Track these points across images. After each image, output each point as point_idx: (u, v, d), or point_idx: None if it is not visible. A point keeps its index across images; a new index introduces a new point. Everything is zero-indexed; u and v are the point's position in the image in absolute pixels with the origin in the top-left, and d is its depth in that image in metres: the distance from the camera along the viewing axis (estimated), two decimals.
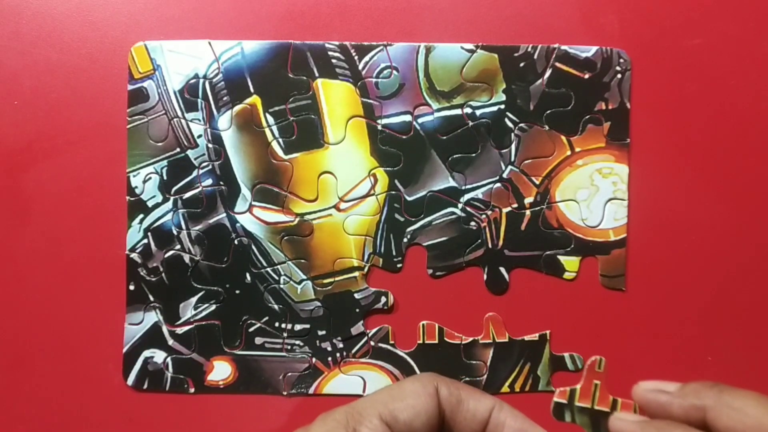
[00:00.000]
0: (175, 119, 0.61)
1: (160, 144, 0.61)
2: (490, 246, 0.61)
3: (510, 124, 0.60)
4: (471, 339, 0.61)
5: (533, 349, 0.61)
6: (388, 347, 0.61)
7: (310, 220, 0.61)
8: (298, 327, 0.61)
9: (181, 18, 0.61)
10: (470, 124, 0.61)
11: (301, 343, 0.61)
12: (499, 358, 0.61)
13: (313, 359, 0.61)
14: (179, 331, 0.61)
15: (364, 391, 0.61)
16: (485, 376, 0.61)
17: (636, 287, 0.60)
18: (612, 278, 0.60)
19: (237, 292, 0.61)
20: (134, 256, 0.61)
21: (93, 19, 0.62)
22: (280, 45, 0.61)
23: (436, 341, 0.61)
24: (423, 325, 0.61)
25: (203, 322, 0.61)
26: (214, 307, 0.61)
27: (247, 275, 0.61)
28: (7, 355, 0.62)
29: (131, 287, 0.61)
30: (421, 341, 0.61)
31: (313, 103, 0.61)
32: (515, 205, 0.61)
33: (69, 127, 0.61)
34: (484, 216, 0.61)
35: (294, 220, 0.61)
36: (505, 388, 0.61)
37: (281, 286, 0.61)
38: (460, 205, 0.61)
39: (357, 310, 0.61)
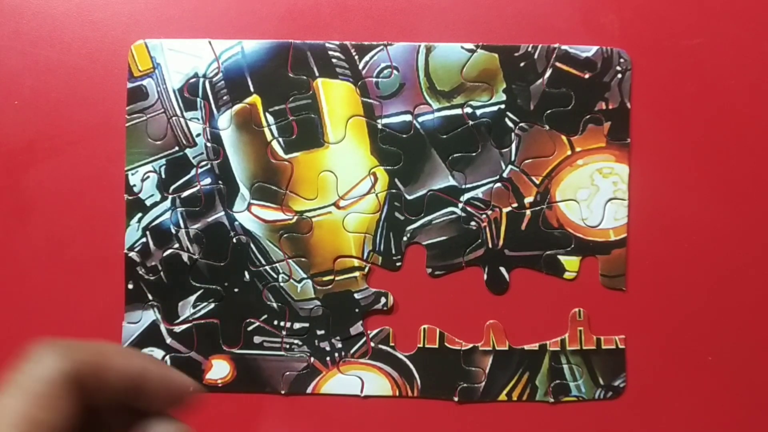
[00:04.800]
0: (174, 118, 0.60)
1: (158, 142, 0.61)
2: (490, 246, 0.61)
3: (510, 124, 0.60)
4: (471, 345, 0.60)
5: (533, 359, 0.60)
6: (388, 349, 0.61)
7: (310, 217, 0.60)
8: (297, 326, 0.61)
9: (181, 17, 0.61)
10: (470, 123, 0.60)
11: (300, 343, 0.61)
12: (498, 366, 0.60)
13: (312, 359, 0.61)
14: (178, 329, 0.61)
15: (361, 391, 0.60)
16: (483, 383, 0.60)
17: (636, 287, 0.60)
18: (612, 278, 0.60)
19: (236, 290, 0.61)
20: (133, 254, 0.61)
21: (93, 18, 0.62)
22: (281, 44, 0.61)
23: (437, 346, 0.61)
24: (424, 329, 0.60)
25: (202, 321, 0.61)
26: (212, 305, 0.61)
27: (246, 273, 0.61)
28: (6, 353, 0.61)
29: (130, 286, 0.61)
30: (421, 345, 0.61)
31: (313, 102, 0.61)
32: (515, 205, 0.60)
33: (69, 126, 0.61)
34: (484, 216, 0.61)
35: (293, 218, 0.60)
36: (503, 396, 0.60)
37: (281, 284, 0.61)
38: (460, 205, 0.60)
39: (356, 310, 0.61)
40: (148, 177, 0.61)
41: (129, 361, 0.32)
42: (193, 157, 0.61)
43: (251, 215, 0.61)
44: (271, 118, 0.61)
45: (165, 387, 0.33)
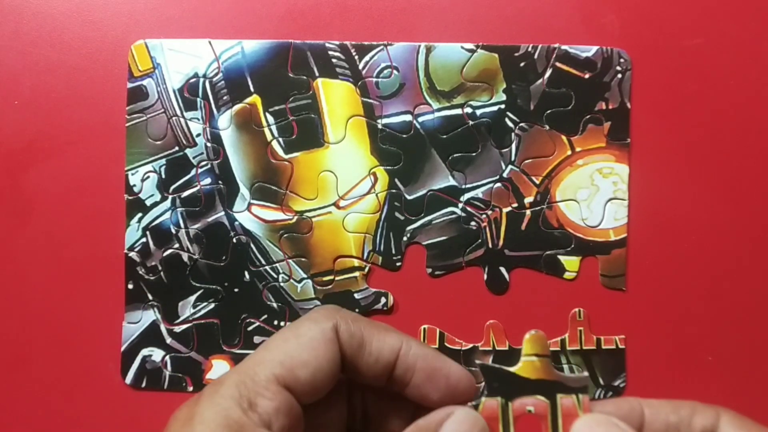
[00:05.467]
0: (174, 118, 0.60)
1: (158, 142, 0.61)
2: (490, 246, 0.61)
3: (510, 124, 0.60)
4: (471, 345, 0.60)
5: None
6: None
7: (310, 217, 0.60)
8: None
9: (181, 17, 0.61)
10: (470, 123, 0.60)
11: None
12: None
13: None
14: (178, 329, 0.61)
15: None
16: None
17: (636, 287, 0.60)
18: (612, 278, 0.60)
19: (236, 290, 0.61)
20: (133, 254, 0.61)
21: (93, 18, 0.62)
22: (281, 44, 0.61)
23: (437, 346, 0.60)
24: (424, 329, 0.60)
25: (202, 321, 0.61)
26: (212, 305, 0.61)
27: (246, 273, 0.61)
28: (6, 353, 0.61)
29: (130, 286, 0.61)
30: None
31: (313, 102, 0.61)
32: (515, 205, 0.60)
33: (69, 126, 0.61)
34: (484, 216, 0.61)
35: (293, 218, 0.60)
36: None
37: (281, 284, 0.61)
38: (460, 205, 0.60)
39: (356, 311, 0.61)
40: (148, 177, 0.61)
41: (389, 338, 0.36)
42: (193, 157, 0.61)
43: (251, 215, 0.61)
44: (271, 118, 0.61)
45: (430, 378, 0.38)
